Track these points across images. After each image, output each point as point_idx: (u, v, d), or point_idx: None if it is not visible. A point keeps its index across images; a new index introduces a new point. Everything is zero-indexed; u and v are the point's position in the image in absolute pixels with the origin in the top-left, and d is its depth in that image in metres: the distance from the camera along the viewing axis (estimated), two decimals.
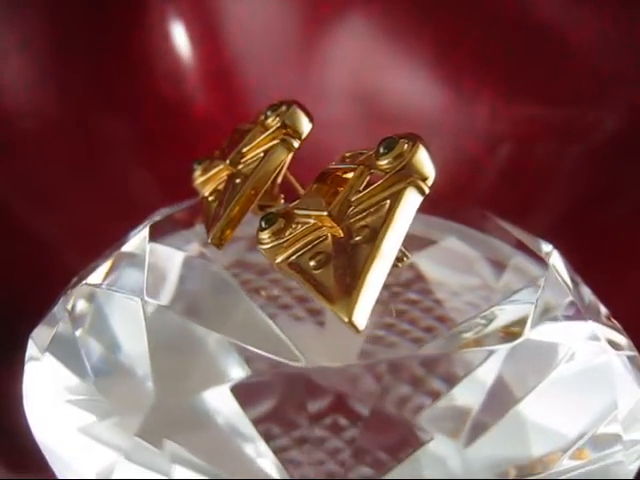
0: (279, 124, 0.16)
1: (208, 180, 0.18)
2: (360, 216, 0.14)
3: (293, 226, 0.15)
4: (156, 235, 0.17)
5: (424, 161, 0.14)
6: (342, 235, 0.14)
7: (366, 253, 0.13)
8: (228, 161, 0.17)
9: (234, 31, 0.28)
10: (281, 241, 0.15)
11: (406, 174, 0.14)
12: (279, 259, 0.15)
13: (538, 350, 0.15)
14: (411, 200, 0.14)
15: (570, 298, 0.16)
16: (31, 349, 0.16)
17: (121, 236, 0.18)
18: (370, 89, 0.28)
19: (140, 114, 0.28)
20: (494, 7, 0.26)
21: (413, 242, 0.17)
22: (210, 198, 0.17)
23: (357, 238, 0.14)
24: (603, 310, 0.17)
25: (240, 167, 0.17)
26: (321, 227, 0.14)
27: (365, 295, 0.13)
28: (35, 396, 0.16)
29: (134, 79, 0.28)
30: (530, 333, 0.15)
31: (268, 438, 0.14)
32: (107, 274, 0.17)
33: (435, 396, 0.14)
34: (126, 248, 0.17)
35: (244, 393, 0.14)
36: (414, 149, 0.14)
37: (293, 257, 0.14)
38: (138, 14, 0.28)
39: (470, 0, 0.27)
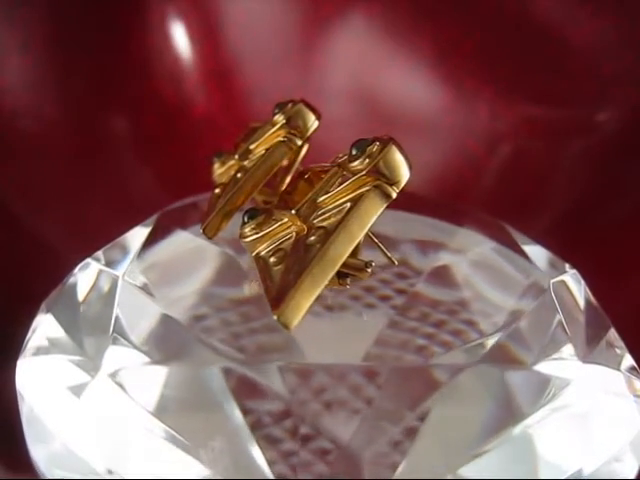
0: (284, 122, 0.17)
1: (223, 174, 0.18)
2: (323, 217, 0.14)
3: (272, 222, 0.15)
4: (182, 222, 0.18)
5: (394, 164, 0.14)
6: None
7: (313, 254, 0.13)
8: (237, 156, 0.17)
9: (234, 31, 0.28)
10: (258, 236, 0.15)
11: (374, 177, 0.14)
12: (254, 253, 0.15)
13: (523, 382, 0.15)
14: (372, 204, 0.14)
15: (567, 340, 0.15)
16: (40, 309, 0.17)
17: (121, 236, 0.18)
18: (370, 89, 0.28)
19: (140, 114, 0.28)
20: (494, 7, 0.26)
21: (439, 249, 0.17)
22: (217, 191, 0.18)
23: (312, 238, 0.14)
24: (627, 358, 0.16)
25: (246, 162, 0.17)
26: (292, 225, 0.15)
27: (299, 295, 0.13)
28: (29, 351, 0.16)
29: (134, 79, 0.28)
30: (516, 364, 0.15)
31: (254, 424, 0.14)
32: (120, 249, 0.17)
33: (423, 411, 0.14)
34: (141, 230, 0.18)
35: (234, 375, 0.15)
36: (384, 151, 0.14)
37: (263, 252, 0.15)
38: (138, 14, 0.28)
39: (471, 0, 0.27)
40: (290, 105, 0.17)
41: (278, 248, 0.15)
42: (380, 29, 0.28)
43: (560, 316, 0.16)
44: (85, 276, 0.17)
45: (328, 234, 0.14)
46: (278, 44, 0.28)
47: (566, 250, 0.18)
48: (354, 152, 0.14)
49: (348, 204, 0.14)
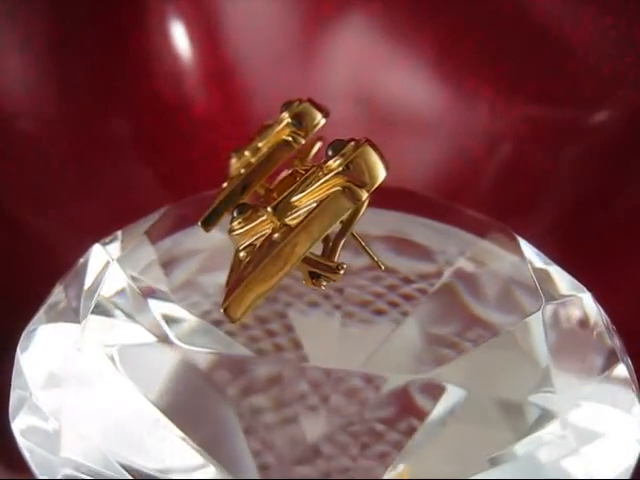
0: (289, 121, 0.17)
1: (238, 168, 0.18)
2: (294, 215, 0.14)
3: (256, 218, 0.15)
4: (188, 215, 0.18)
5: (369, 164, 0.14)
6: None
7: (271, 251, 0.14)
8: (247, 152, 0.17)
9: (234, 31, 0.28)
10: (243, 230, 0.15)
11: (345, 178, 0.14)
12: (237, 247, 0.15)
13: (513, 409, 0.15)
14: (337, 205, 0.14)
15: (560, 371, 0.15)
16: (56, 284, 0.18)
17: None
18: (370, 88, 0.28)
19: (140, 114, 0.28)
20: (494, 6, 0.26)
21: (460, 259, 0.17)
22: (224, 185, 0.18)
23: (276, 236, 0.14)
24: (636, 403, 0.15)
25: (253, 160, 0.17)
26: (270, 222, 0.15)
27: (246, 290, 0.13)
28: (32, 321, 0.17)
29: (134, 79, 0.28)
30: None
31: (246, 419, 0.15)
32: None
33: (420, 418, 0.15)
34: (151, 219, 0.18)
35: (227, 365, 0.15)
36: (358, 151, 0.14)
37: (241, 247, 0.15)
38: (138, 14, 0.28)
39: None
40: (296, 104, 0.17)
41: (250, 243, 0.15)
42: (380, 29, 0.28)
43: (552, 343, 0.15)
44: (93, 257, 0.18)
45: (290, 232, 0.14)
46: (278, 44, 0.28)
47: (566, 250, 0.18)
48: (330, 152, 0.14)
49: (315, 204, 0.14)
